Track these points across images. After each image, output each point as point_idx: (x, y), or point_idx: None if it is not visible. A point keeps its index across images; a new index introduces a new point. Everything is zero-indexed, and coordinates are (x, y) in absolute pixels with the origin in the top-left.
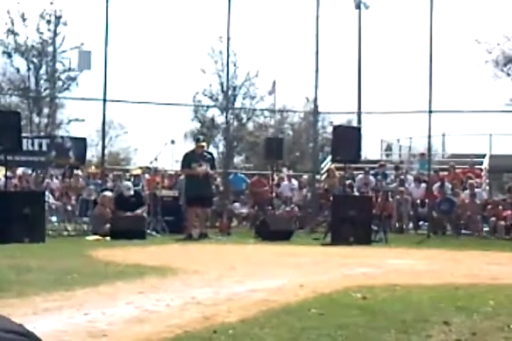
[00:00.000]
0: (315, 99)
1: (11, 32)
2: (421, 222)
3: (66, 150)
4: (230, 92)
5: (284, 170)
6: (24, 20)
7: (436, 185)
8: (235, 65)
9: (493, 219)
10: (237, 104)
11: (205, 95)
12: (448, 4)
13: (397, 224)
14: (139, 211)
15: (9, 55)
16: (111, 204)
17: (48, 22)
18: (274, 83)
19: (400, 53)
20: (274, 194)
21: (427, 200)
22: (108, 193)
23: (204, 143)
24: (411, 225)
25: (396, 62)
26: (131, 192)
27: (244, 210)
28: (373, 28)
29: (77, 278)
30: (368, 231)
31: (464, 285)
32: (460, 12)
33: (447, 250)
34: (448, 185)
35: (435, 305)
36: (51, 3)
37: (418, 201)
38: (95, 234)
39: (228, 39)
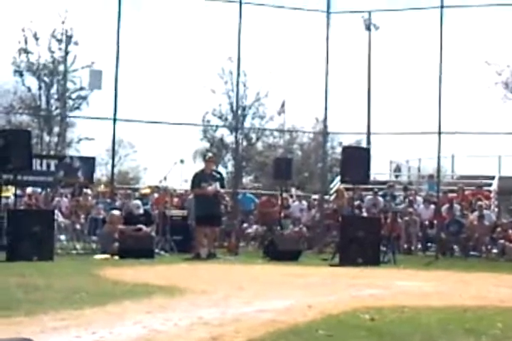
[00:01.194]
0: (324, 120)
1: (24, 51)
2: (429, 244)
3: (74, 170)
4: (239, 112)
5: (293, 190)
6: (36, 39)
7: (445, 206)
8: (244, 85)
9: (502, 241)
10: (247, 124)
11: (215, 115)
12: (458, 26)
13: (405, 245)
14: (147, 229)
15: (21, 74)
16: (119, 222)
17: (60, 41)
18: (284, 103)
19: (410, 74)
20: (282, 214)
21: (435, 221)
22: (116, 212)
23: (211, 163)
24: (419, 246)
25: (406, 83)
26: (141, 211)
27: (253, 230)
28: (383, 49)
29: (85, 297)
30: (377, 252)
31: (472, 307)
32: (470, 33)
33: (455, 272)
34: (457, 207)
35: (443, 327)
36: (63, 22)
37: (427, 222)
38: (104, 252)
39: (239, 59)
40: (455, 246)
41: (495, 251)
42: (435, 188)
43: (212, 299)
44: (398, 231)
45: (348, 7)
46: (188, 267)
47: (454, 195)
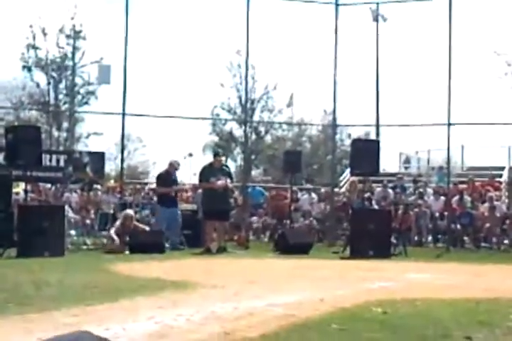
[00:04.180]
0: (333, 112)
1: (32, 46)
2: (440, 235)
3: (83, 166)
4: (248, 105)
5: (303, 183)
6: (45, 35)
7: (456, 197)
8: (253, 79)
9: None
10: (255, 117)
11: (224, 108)
12: (467, 16)
13: (416, 238)
14: (181, 186)
15: (29, 70)
16: (132, 222)
17: (68, 36)
18: (292, 96)
19: (419, 65)
20: (292, 207)
21: (446, 213)
22: (129, 211)
23: (223, 158)
24: (430, 238)
25: (414, 74)
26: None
27: (259, 222)
28: (391, 40)
29: (97, 292)
30: (388, 245)
31: (484, 299)
32: (479, 24)
33: (467, 264)
34: (467, 198)
35: (456, 320)
36: (72, 18)
37: (437, 214)
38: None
39: (247, 53)
40: (466, 238)
41: (506, 242)
42: (445, 180)
43: (224, 293)
44: (409, 223)
45: None
46: (198, 261)
47: (464, 186)
